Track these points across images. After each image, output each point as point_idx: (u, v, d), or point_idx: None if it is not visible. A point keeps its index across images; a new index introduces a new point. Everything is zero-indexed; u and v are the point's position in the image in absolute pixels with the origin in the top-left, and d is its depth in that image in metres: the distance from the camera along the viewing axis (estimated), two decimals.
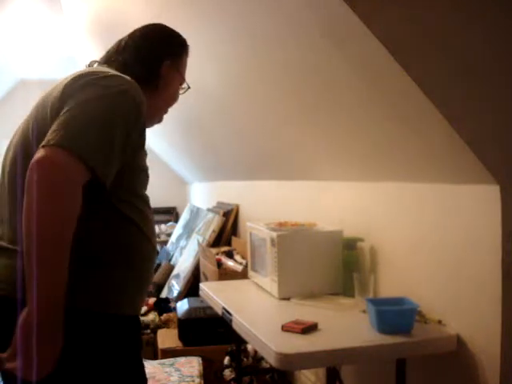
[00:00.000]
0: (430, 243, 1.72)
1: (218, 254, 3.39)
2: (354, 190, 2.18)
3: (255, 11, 1.70)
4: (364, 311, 1.73)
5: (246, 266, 2.84)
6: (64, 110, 1.05)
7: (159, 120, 1.40)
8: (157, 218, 5.28)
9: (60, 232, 0.97)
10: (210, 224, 4.02)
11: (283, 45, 1.73)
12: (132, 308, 1.17)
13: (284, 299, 1.99)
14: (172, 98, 1.38)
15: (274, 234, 2.02)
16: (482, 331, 1.49)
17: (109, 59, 1.31)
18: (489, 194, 1.45)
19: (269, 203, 3.23)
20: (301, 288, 2.01)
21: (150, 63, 1.29)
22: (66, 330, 1.01)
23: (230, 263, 3.18)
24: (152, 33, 1.34)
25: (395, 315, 1.57)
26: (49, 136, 1.01)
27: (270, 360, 1.48)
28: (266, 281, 2.12)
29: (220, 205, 4.28)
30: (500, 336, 1.43)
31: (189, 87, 1.40)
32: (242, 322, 1.73)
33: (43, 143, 1.00)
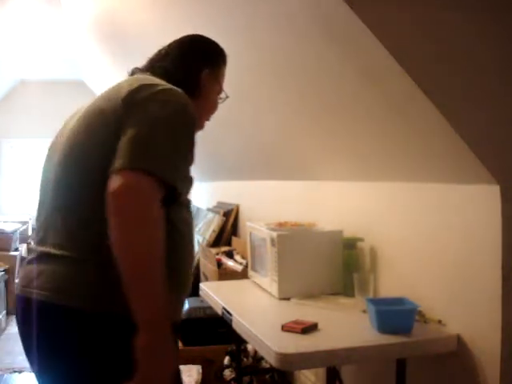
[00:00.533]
0: (430, 243, 1.72)
1: (218, 253, 3.39)
2: (354, 189, 2.18)
3: (256, 11, 1.70)
4: (364, 311, 1.73)
5: (246, 266, 2.84)
6: (130, 129, 1.04)
7: (200, 128, 1.39)
8: None
9: (159, 252, 0.98)
10: (210, 224, 4.02)
11: (284, 45, 1.73)
12: (177, 315, 1.18)
13: (284, 299, 1.99)
14: (212, 107, 1.39)
15: (274, 234, 2.02)
16: (483, 331, 1.49)
17: (151, 67, 1.32)
18: (489, 194, 1.45)
19: (269, 203, 3.23)
20: (301, 288, 2.01)
21: (190, 72, 1.31)
22: (113, 339, 1.03)
23: (230, 263, 3.17)
24: (191, 42, 1.37)
25: (395, 315, 1.57)
26: (122, 158, 1.00)
27: (270, 360, 1.48)
28: (266, 281, 2.12)
29: (220, 205, 4.27)
30: (500, 336, 1.43)
31: (227, 96, 1.42)
32: (241, 322, 1.73)
33: (117, 166, 0.99)
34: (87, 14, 3.68)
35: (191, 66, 1.31)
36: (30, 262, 1.16)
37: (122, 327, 1.03)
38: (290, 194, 2.89)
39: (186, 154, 1.10)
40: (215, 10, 1.95)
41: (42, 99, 6.33)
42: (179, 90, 1.15)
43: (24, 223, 5.40)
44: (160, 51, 1.36)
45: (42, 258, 1.12)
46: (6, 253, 4.67)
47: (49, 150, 1.27)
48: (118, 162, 0.99)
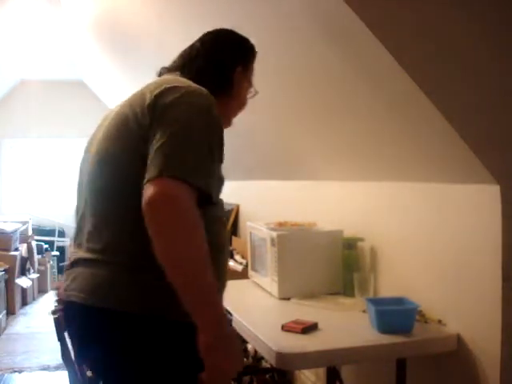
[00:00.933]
0: (430, 243, 1.72)
1: None
2: (354, 189, 2.18)
3: (255, 10, 1.70)
4: (364, 311, 1.73)
5: (246, 266, 2.84)
6: (158, 137, 1.04)
7: (228, 125, 1.39)
8: None
9: (204, 254, 1.00)
10: None
11: (284, 45, 1.73)
12: None
13: (284, 299, 1.99)
14: (242, 103, 1.38)
15: (274, 234, 2.02)
16: (483, 331, 1.49)
17: (182, 66, 1.30)
18: (489, 194, 1.45)
19: (269, 203, 3.23)
20: (301, 288, 2.01)
21: (223, 70, 1.29)
22: (153, 340, 1.06)
23: (230, 263, 3.18)
24: (223, 38, 1.34)
25: (395, 315, 1.57)
26: (153, 167, 1.00)
27: (270, 360, 1.48)
28: (266, 280, 2.12)
29: None
30: (500, 335, 1.43)
31: (257, 92, 1.40)
32: (242, 322, 1.73)
33: (150, 176, 0.99)
34: (87, 14, 3.68)
35: (225, 65, 1.29)
36: (69, 266, 1.18)
37: (166, 329, 1.07)
38: (290, 194, 2.89)
39: (213, 155, 1.11)
40: (214, 9, 1.95)
41: (42, 99, 6.34)
42: (203, 90, 1.14)
43: (24, 223, 5.40)
44: (191, 47, 1.33)
45: (79, 262, 1.14)
46: (6, 252, 4.67)
47: (84, 152, 1.29)
48: (149, 172, 1.00)
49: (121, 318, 1.06)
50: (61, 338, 1.30)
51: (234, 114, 1.38)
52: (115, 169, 1.12)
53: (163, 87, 1.12)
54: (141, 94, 1.14)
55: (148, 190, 0.98)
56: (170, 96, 1.09)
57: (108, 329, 1.07)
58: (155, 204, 0.97)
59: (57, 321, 1.30)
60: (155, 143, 1.03)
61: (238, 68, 1.31)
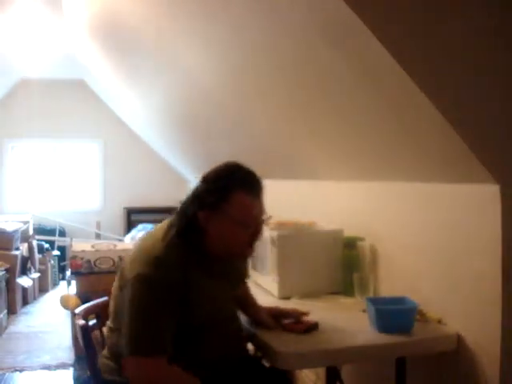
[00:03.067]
0: (430, 242, 1.72)
1: None
2: (355, 189, 2.19)
3: (254, 11, 1.70)
4: (364, 310, 1.73)
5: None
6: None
7: (240, 255, 1.57)
8: (157, 217, 5.27)
9: None
10: None
11: (284, 45, 1.73)
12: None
13: (284, 298, 2.00)
14: (222, 239, 1.46)
15: (274, 234, 2.03)
16: (482, 330, 1.50)
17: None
18: (489, 194, 1.45)
19: (269, 203, 3.22)
20: (301, 287, 2.01)
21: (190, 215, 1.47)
22: None
23: None
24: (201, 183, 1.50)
25: (395, 314, 1.57)
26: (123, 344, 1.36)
27: (270, 360, 1.49)
28: (267, 280, 2.12)
29: None
30: (500, 334, 1.43)
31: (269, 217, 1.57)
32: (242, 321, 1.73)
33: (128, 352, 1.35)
34: (88, 14, 3.69)
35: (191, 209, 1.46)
36: None
37: None
38: (290, 193, 2.89)
39: (160, 320, 1.35)
40: (213, 10, 1.95)
41: (43, 98, 6.33)
42: (149, 257, 1.39)
43: (25, 222, 5.40)
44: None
45: None
46: (7, 252, 4.67)
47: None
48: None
49: None
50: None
51: (222, 248, 1.47)
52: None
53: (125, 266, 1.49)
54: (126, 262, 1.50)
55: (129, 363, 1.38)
56: (127, 277, 1.45)
57: None
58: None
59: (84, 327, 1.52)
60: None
61: (200, 213, 1.43)
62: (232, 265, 1.58)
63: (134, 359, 1.32)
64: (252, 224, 1.46)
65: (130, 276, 1.38)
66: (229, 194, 1.42)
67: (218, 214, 1.42)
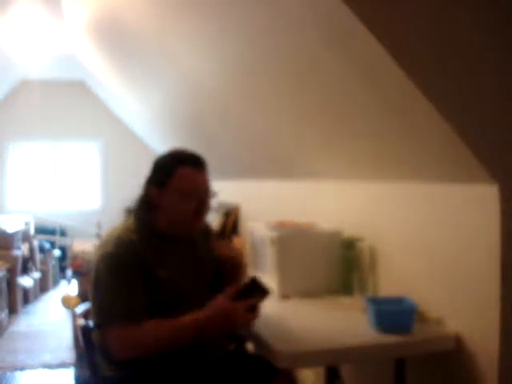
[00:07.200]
0: (429, 242, 1.72)
1: None
2: (354, 189, 2.19)
3: (253, 11, 1.71)
4: (363, 310, 1.73)
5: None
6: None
7: (189, 224, 1.62)
8: None
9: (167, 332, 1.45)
10: (211, 223, 4.03)
11: (283, 45, 1.74)
12: None
13: (284, 298, 2.00)
14: (171, 212, 1.59)
15: (274, 234, 2.03)
16: (481, 330, 1.50)
17: None
18: (488, 194, 1.45)
19: (269, 203, 3.23)
20: (300, 287, 2.01)
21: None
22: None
23: None
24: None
25: (394, 314, 1.57)
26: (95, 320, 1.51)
27: (270, 359, 1.49)
28: (266, 280, 2.12)
29: (221, 204, 4.28)
30: (499, 334, 1.43)
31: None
32: None
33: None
34: (88, 15, 3.69)
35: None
36: None
37: None
38: (290, 193, 2.90)
39: (119, 291, 1.45)
40: (212, 10, 1.95)
41: (43, 99, 6.34)
42: (111, 237, 1.53)
43: (26, 223, 5.41)
44: None
45: None
46: (8, 252, 4.68)
47: None
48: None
49: None
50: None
51: (174, 218, 1.60)
52: None
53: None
54: None
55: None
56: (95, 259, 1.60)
57: None
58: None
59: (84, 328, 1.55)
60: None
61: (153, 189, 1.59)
62: (195, 248, 1.68)
63: (110, 330, 1.43)
64: (196, 193, 1.58)
65: (95, 260, 1.52)
66: (173, 170, 1.58)
67: (166, 189, 1.57)
